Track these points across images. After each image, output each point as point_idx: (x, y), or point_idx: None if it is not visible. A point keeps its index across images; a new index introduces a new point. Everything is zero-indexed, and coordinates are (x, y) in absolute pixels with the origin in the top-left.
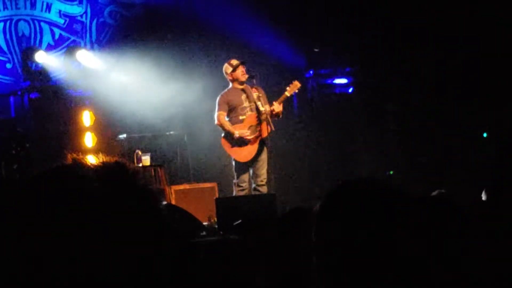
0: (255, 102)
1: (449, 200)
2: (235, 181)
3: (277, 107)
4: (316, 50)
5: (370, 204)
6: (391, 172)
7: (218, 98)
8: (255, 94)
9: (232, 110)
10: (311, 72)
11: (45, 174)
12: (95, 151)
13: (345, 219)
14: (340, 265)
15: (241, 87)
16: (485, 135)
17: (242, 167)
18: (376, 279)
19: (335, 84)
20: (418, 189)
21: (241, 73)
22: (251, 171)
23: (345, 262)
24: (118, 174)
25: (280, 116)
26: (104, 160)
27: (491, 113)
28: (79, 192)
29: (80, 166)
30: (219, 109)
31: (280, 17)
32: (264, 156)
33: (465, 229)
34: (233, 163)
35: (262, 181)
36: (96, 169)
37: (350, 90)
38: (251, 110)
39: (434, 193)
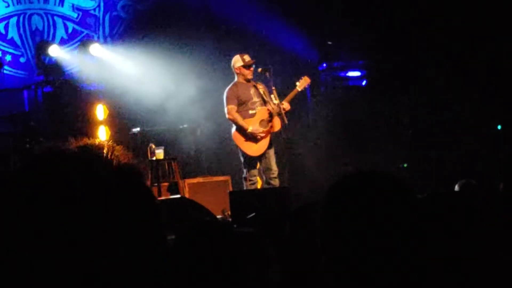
0: (262, 97)
1: (458, 197)
2: (244, 175)
3: (286, 106)
4: (329, 43)
5: (372, 197)
6: (405, 165)
7: (226, 92)
8: (260, 89)
9: (241, 105)
10: (324, 65)
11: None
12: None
13: (348, 211)
14: (344, 257)
15: (248, 81)
16: (499, 127)
17: (252, 162)
18: (378, 272)
19: (349, 77)
20: (431, 182)
21: (249, 73)
22: (260, 165)
23: (349, 254)
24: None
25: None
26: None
27: (505, 105)
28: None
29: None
30: (229, 103)
31: (294, 10)
32: (272, 149)
33: (474, 227)
34: (242, 158)
35: (273, 173)
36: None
37: (364, 83)
38: (261, 104)
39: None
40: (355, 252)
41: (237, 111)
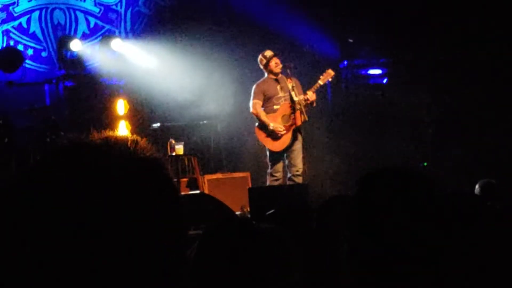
0: (289, 92)
1: (475, 197)
2: (269, 171)
3: (311, 95)
4: (350, 40)
5: (401, 193)
6: (425, 164)
7: (254, 87)
8: (289, 84)
9: (267, 100)
10: (345, 62)
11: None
12: None
13: (377, 206)
14: (369, 254)
15: (276, 77)
16: None
17: (277, 157)
18: (401, 269)
19: (370, 74)
20: (451, 181)
21: (275, 65)
22: (286, 161)
23: (375, 250)
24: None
25: (314, 105)
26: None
27: None
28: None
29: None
30: (254, 98)
31: (315, 8)
32: (298, 145)
33: (492, 227)
34: (267, 152)
35: (297, 171)
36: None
37: (385, 80)
38: (285, 99)
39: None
40: (382, 244)
41: (263, 106)
